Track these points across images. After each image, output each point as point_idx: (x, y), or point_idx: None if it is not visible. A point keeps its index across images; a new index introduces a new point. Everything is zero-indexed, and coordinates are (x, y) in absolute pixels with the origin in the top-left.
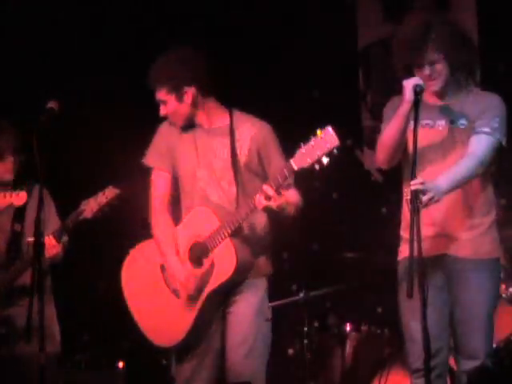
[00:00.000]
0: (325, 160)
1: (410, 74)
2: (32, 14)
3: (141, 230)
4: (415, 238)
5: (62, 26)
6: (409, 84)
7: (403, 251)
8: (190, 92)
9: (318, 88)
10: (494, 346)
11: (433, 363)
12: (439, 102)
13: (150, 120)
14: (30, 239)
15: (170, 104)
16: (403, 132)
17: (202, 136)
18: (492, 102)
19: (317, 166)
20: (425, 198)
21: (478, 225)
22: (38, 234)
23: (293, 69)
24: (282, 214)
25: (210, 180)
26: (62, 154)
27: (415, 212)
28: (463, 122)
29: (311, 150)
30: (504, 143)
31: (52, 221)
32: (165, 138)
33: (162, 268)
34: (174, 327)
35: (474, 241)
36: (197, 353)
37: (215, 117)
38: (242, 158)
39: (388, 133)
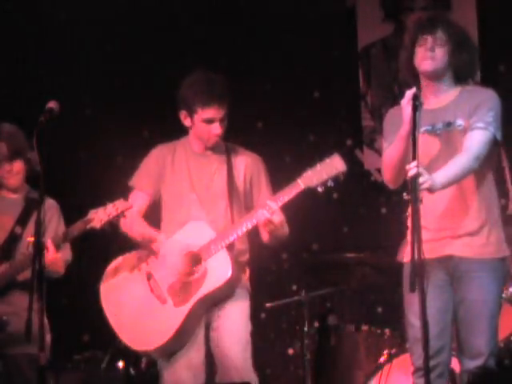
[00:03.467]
0: (330, 183)
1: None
2: (32, 14)
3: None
4: (417, 235)
5: (63, 26)
6: (406, 102)
7: (407, 253)
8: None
9: (318, 88)
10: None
11: (434, 362)
12: (435, 106)
13: (156, 124)
14: (30, 239)
15: (225, 123)
16: (406, 152)
17: (197, 161)
18: (486, 97)
19: (320, 189)
20: (421, 180)
21: (481, 225)
22: (38, 234)
23: (293, 69)
24: (281, 231)
25: (202, 203)
26: (62, 157)
27: (415, 202)
28: (460, 122)
29: (318, 172)
30: (499, 137)
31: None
32: (157, 162)
33: (149, 276)
34: (158, 331)
35: (477, 241)
36: (183, 361)
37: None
38: (239, 182)
39: (391, 154)
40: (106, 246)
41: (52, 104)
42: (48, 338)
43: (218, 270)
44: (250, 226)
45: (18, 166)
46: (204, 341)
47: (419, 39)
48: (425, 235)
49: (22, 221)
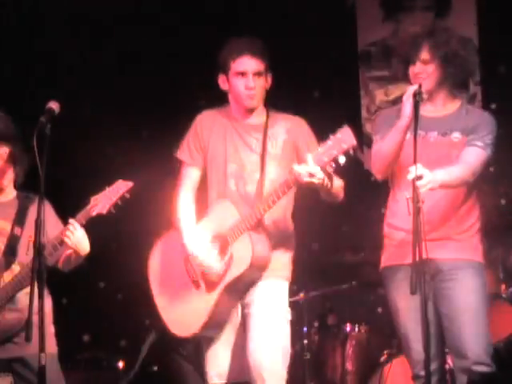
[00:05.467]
0: (341, 159)
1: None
2: (32, 14)
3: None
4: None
5: (63, 26)
6: (407, 97)
7: (394, 257)
8: (269, 78)
9: (318, 88)
10: (493, 346)
11: (431, 368)
12: (432, 114)
13: (155, 124)
14: (31, 239)
15: (261, 80)
16: (401, 145)
17: (234, 131)
18: (486, 119)
19: (333, 165)
20: (422, 182)
21: (466, 231)
22: (38, 234)
23: (293, 69)
24: (328, 186)
25: (240, 174)
26: (62, 157)
27: (416, 203)
28: (456, 135)
29: (328, 149)
30: (490, 161)
31: (55, 227)
32: (198, 133)
33: (186, 259)
34: (192, 318)
35: (459, 246)
36: (225, 347)
37: (253, 112)
38: (276, 152)
39: (386, 145)
40: (106, 245)
41: (52, 104)
42: (51, 328)
43: (241, 255)
44: (272, 204)
45: (2, 150)
46: (243, 331)
47: (410, 59)
48: (407, 238)
49: (20, 221)
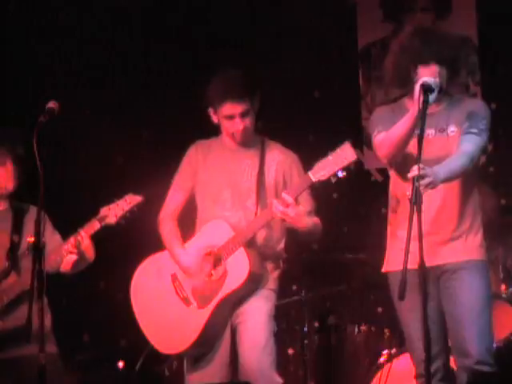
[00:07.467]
0: (341, 174)
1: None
2: (33, 14)
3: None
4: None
5: (63, 26)
6: (419, 85)
7: (398, 262)
8: (257, 105)
9: (318, 88)
10: (494, 345)
11: (433, 368)
12: (427, 110)
13: (155, 124)
14: (30, 239)
15: (249, 118)
16: (411, 132)
17: (230, 157)
18: (479, 106)
19: (333, 179)
20: (424, 182)
21: (467, 229)
22: (38, 235)
23: (293, 69)
24: (300, 223)
25: (233, 200)
26: (62, 158)
27: (416, 204)
28: (452, 128)
29: (329, 163)
30: (487, 146)
31: (52, 238)
32: (189, 160)
33: (173, 277)
34: (183, 334)
35: (462, 247)
36: (207, 362)
37: (249, 138)
38: (269, 180)
39: (397, 130)
40: (106, 246)
41: (52, 104)
42: (48, 319)
43: (237, 269)
44: (265, 221)
45: (17, 171)
46: (230, 344)
47: (421, 60)
48: (412, 245)
49: (16, 230)
